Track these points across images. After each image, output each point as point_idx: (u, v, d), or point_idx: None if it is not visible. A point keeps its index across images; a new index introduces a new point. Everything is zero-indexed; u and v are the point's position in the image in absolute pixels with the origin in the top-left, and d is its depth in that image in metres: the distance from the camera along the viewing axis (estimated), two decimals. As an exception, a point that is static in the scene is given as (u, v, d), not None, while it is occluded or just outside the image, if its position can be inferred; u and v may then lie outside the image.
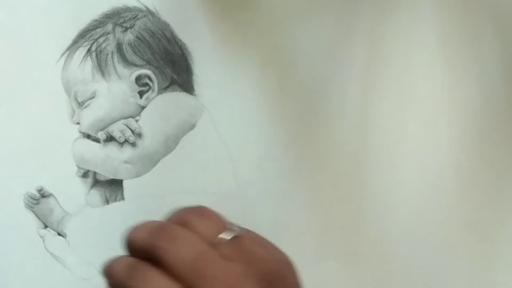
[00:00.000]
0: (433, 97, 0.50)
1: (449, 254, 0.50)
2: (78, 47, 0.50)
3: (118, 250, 0.49)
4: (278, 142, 0.50)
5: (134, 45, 0.50)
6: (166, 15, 0.50)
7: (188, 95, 0.51)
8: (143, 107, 0.50)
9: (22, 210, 0.49)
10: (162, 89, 0.51)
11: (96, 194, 0.50)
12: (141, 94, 0.50)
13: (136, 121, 0.50)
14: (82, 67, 0.50)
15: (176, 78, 0.51)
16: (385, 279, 0.49)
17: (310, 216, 0.50)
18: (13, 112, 0.49)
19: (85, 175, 0.50)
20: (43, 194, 0.49)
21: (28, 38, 0.49)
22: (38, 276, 0.49)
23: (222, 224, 0.36)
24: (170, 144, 0.50)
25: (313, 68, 0.50)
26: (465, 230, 0.50)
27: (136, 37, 0.50)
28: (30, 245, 0.49)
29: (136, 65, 0.50)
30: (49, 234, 0.49)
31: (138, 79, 0.50)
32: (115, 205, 0.50)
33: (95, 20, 0.50)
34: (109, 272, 0.37)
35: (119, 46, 0.50)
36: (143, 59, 0.50)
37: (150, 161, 0.50)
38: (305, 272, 0.50)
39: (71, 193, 0.50)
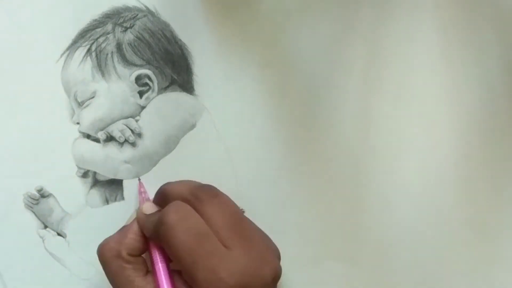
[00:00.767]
0: (434, 97, 0.50)
1: (449, 254, 0.50)
2: (78, 47, 0.50)
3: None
4: (278, 142, 0.50)
5: (134, 45, 0.50)
6: (166, 15, 0.50)
7: (188, 95, 0.51)
8: (143, 107, 0.50)
9: (22, 210, 0.49)
10: (162, 89, 0.51)
11: (96, 194, 0.50)
12: (141, 94, 0.50)
13: (136, 121, 0.50)
14: (82, 67, 0.50)
15: (176, 78, 0.51)
16: (385, 279, 0.50)
17: (310, 216, 0.50)
18: (12, 112, 0.49)
19: (85, 175, 0.50)
20: (43, 194, 0.49)
21: (28, 38, 0.49)
22: (38, 276, 0.49)
23: None
24: (170, 144, 0.50)
25: (313, 68, 0.50)
26: (465, 230, 0.50)
27: (136, 37, 0.50)
28: (29, 245, 0.49)
29: (136, 65, 0.50)
30: (49, 234, 0.49)
31: (138, 79, 0.50)
32: (115, 205, 0.50)
33: (95, 20, 0.50)
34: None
35: (119, 46, 0.50)
36: (143, 59, 0.50)
37: (150, 161, 0.50)
38: (305, 272, 0.50)
39: (71, 193, 0.50)
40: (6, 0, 0.49)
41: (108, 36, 0.50)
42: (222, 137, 0.50)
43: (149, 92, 0.50)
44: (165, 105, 0.50)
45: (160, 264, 0.43)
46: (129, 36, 0.50)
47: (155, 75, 0.50)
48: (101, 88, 0.50)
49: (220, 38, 0.50)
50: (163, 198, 0.45)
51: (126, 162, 0.50)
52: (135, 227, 0.45)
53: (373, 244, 0.49)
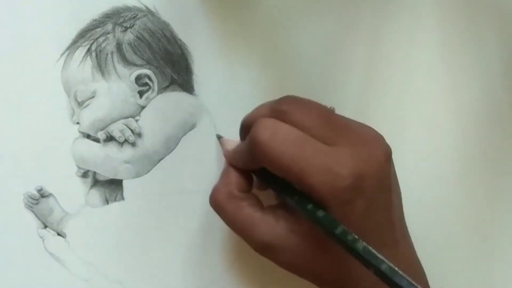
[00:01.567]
0: (434, 97, 0.50)
1: (449, 254, 0.50)
2: (78, 47, 0.50)
3: (117, 250, 0.49)
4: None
5: (134, 45, 0.50)
6: (166, 15, 0.50)
7: (188, 94, 0.51)
8: (143, 107, 0.50)
9: (21, 210, 0.49)
10: (162, 89, 0.50)
11: (96, 194, 0.50)
12: (141, 93, 0.50)
13: (136, 121, 0.50)
14: (81, 66, 0.50)
15: (176, 77, 0.50)
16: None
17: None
18: (12, 112, 0.49)
19: (85, 175, 0.50)
20: (42, 194, 0.49)
21: (27, 38, 0.49)
22: (38, 277, 0.49)
23: None
24: (170, 144, 0.50)
25: (313, 68, 0.50)
26: (465, 230, 0.50)
27: (136, 37, 0.50)
28: (29, 246, 0.49)
29: (136, 65, 0.50)
30: (49, 234, 0.49)
31: (138, 78, 0.50)
32: (115, 205, 0.50)
33: (95, 20, 0.50)
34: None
35: (119, 46, 0.50)
36: (143, 59, 0.50)
37: (150, 161, 0.50)
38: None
39: (71, 193, 0.50)
40: (6, 0, 0.49)
41: (108, 36, 0.50)
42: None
43: (149, 92, 0.50)
44: (165, 105, 0.50)
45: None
46: (129, 36, 0.50)
47: (155, 75, 0.50)
48: (101, 88, 0.50)
49: (220, 38, 0.50)
50: (247, 130, 0.42)
51: (126, 162, 0.50)
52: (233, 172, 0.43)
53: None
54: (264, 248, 0.41)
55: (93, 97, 0.50)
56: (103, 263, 0.49)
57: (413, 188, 0.50)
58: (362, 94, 0.50)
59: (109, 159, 0.50)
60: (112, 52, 0.50)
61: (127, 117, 0.50)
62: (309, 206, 0.38)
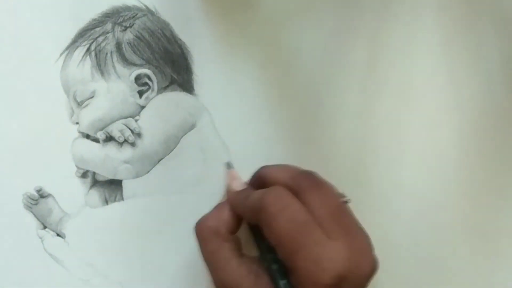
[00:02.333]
0: (434, 98, 0.50)
1: (450, 254, 0.50)
2: (77, 47, 0.50)
3: (117, 250, 0.49)
4: (278, 142, 0.50)
5: (134, 45, 0.50)
6: (165, 14, 0.50)
7: (188, 94, 0.50)
8: (142, 107, 0.50)
9: (21, 210, 0.49)
10: (162, 89, 0.50)
11: (95, 194, 0.50)
12: (140, 93, 0.50)
13: (136, 120, 0.50)
14: (81, 66, 0.49)
15: (175, 77, 0.50)
16: (385, 279, 0.50)
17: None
18: (11, 111, 0.49)
19: (84, 175, 0.50)
20: (42, 195, 0.49)
21: (27, 37, 0.49)
22: (37, 277, 0.49)
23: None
24: (170, 144, 0.50)
25: (313, 68, 0.50)
26: (466, 230, 0.50)
27: (136, 37, 0.50)
28: (29, 246, 0.49)
29: (135, 65, 0.50)
30: (48, 234, 0.49)
31: (137, 78, 0.50)
32: (114, 205, 0.50)
33: (95, 19, 0.50)
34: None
35: (118, 46, 0.50)
36: (143, 59, 0.50)
37: (149, 161, 0.50)
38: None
39: (70, 194, 0.49)
40: (6, 0, 0.49)
41: (107, 35, 0.50)
42: (222, 137, 0.50)
43: (149, 92, 0.50)
44: (165, 105, 0.50)
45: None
46: (128, 35, 0.50)
47: (155, 75, 0.50)
48: (101, 88, 0.50)
49: (220, 38, 0.50)
50: (261, 181, 0.44)
51: (125, 162, 0.49)
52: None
53: (374, 244, 0.49)
54: None
55: (92, 97, 0.49)
56: (102, 263, 0.49)
57: (413, 188, 0.50)
58: (362, 94, 0.50)
59: (108, 159, 0.49)
60: (111, 51, 0.50)
61: (127, 117, 0.50)
62: (283, 281, 0.40)
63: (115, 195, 0.50)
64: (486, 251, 0.50)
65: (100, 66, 0.50)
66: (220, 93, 0.50)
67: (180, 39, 0.50)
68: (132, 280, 0.49)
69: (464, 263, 0.50)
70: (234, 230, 0.44)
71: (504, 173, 0.51)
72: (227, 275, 0.42)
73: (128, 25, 0.50)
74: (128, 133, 0.49)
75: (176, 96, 0.50)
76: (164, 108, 0.50)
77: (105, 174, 0.50)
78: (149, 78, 0.50)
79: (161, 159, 0.50)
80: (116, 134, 0.49)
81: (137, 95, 0.50)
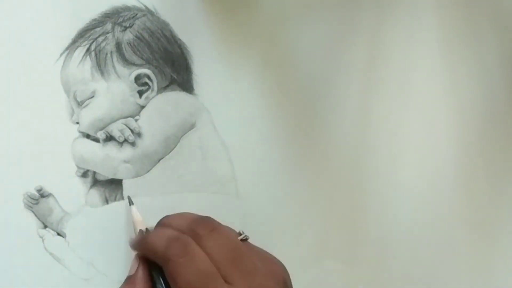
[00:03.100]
0: (434, 97, 0.50)
1: (449, 253, 0.50)
2: (78, 47, 0.50)
3: (117, 250, 0.49)
4: (278, 142, 0.50)
5: (134, 45, 0.50)
6: (165, 14, 0.50)
7: (188, 94, 0.51)
8: (142, 107, 0.50)
9: (21, 210, 0.49)
10: (162, 89, 0.50)
11: (95, 194, 0.50)
12: (140, 93, 0.50)
13: (136, 120, 0.50)
14: (81, 66, 0.50)
15: (175, 77, 0.50)
16: (385, 279, 0.50)
17: (310, 216, 0.50)
18: (12, 111, 0.49)
19: (84, 174, 0.50)
20: (42, 194, 0.49)
21: (27, 38, 0.49)
22: (38, 277, 0.49)
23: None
24: (169, 143, 0.50)
25: (313, 68, 0.50)
26: (465, 230, 0.50)
27: (136, 37, 0.50)
28: (29, 245, 0.49)
29: (135, 65, 0.50)
30: (49, 234, 0.49)
31: (137, 78, 0.50)
32: (114, 205, 0.50)
33: (94, 20, 0.50)
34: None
35: (118, 46, 0.50)
36: (143, 59, 0.50)
37: (149, 161, 0.50)
38: (305, 272, 0.50)
39: (71, 193, 0.49)
40: (6, 0, 0.49)
41: (107, 35, 0.50)
42: (221, 137, 0.50)
43: (149, 92, 0.50)
44: (165, 105, 0.50)
45: None
46: (128, 35, 0.50)
47: (155, 75, 0.50)
48: (101, 88, 0.50)
49: (220, 38, 0.50)
50: (160, 223, 0.44)
51: (125, 161, 0.50)
52: (141, 275, 0.43)
53: (373, 244, 0.49)
54: None
55: (92, 97, 0.50)
56: (103, 262, 0.49)
57: (413, 188, 0.50)
58: (362, 94, 0.50)
59: (108, 159, 0.50)
60: (111, 51, 0.50)
61: (127, 117, 0.50)
62: None
63: (115, 195, 0.50)
64: (486, 251, 0.50)
65: (100, 66, 0.50)
66: (219, 93, 0.50)
67: (179, 39, 0.50)
68: (132, 279, 0.49)
69: (464, 263, 0.50)
70: None
71: (504, 172, 0.51)
72: None
73: (128, 25, 0.50)
74: (128, 132, 0.49)
75: (176, 96, 0.50)
76: (164, 108, 0.50)
77: (105, 173, 0.50)
78: (149, 78, 0.50)
79: (161, 158, 0.50)
80: (116, 133, 0.49)
81: (137, 95, 0.50)
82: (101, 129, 0.50)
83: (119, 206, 0.50)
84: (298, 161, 0.50)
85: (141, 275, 0.43)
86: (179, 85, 0.51)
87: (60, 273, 0.49)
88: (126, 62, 0.50)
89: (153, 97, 0.50)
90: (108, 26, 0.50)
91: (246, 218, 0.49)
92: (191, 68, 0.50)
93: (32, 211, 0.49)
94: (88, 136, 0.50)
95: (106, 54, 0.50)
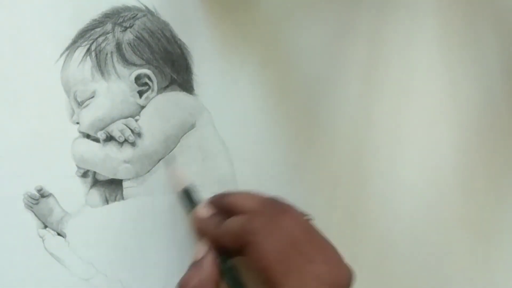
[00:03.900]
0: (433, 97, 0.50)
1: (449, 253, 0.50)
2: (78, 47, 0.50)
3: (117, 250, 0.49)
4: (278, 142, 0.50)
5: (134, 45, 0.50)
6: (165, 15, 0.50)
7: (188, 94, 0.51)
8: (142, 107, 0.50)
9: (21, 210, 0.49)
10: (162, 89, 0.50)
11: (95, 194, 0.50)
12: (140, 93, 0.50)
13: (136, 120, 0.50)
14: (81, 66, 0.50)
15: (175, 77, 0.50)
16: (385, 279, 0.50)
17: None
18: (12, 112, 0.49)
19: (84, 175, 0.50)
20: (42, 194, 0.49)
21: (27, 38, 0.49)
22: (38, 277, 0.49)
23: None
24: (169, 143, 0.50)
25: (313, 68, 0.50)
26: (465, 230, 0.50)
27: (136, 37, 0.50)
28: (29, 245, 0.49)
29: (135, 65, 0.50)
30: (49, 234, 0.49)
31: (137, 78, 0.50)
32: (115, 205, 0.50)
33: (95, 20, 0.50)
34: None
35: (118, 46, 0.50)
36: (143, 59, 0.50)
37: (149, 161, 0.50)
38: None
39: (71, 193, 0.50)
40: (6, 0, 0.49)
41: (107, 35, 0.50)
42: (222, 137, 0.50)
43: (149, 92, 0.50)
44: (165, 105, 0.50)
45: None
46: (128, 35, 0.50)
47: (155, 75, 0.50)
48: (101, 88, 0.50)
49: (220, 38, 0.50)
50: (227, 208, 0.45)
51: (125, 162, 0.50)
52: (210, 260, 0.44)
53: (373, 244, 0.49)
54: None
55: (92, 97, 0.50)
56: (103, 262, 0.49)
57: (413, 188, 0.50)
58: (362, 94, 0.50)
59: (108, 159, 0.50)
60: (111, 52, 0.50)
61: (127, 117, 0.50)
62: None
63: (115, 195, 0.50)
64: (486, 251, 0.50)
65: (101, 66, 0.50)
66: (220, 93, 0.50)
67: (180, 39, 0.50)
68: (132, 279, 0.50)
69: (464, 263, 0.50)
70: (217, 284, 0.44)
71: (504, 172, 0.51)
72: None
73: (128, 25, 0.50)
74: (128, 133, 0.49)
75: (176, 96, 0.50)
76: (164, 108, 0.50)
77: (105, 173, 0.50)
78: (149, 78, 0.50)
79: (161, 158, 0.50)
80: (116, 134, 0.49)
81: (137, 95, 0.50)
82: (101, 129, 0.50)
83: (119, 206, 0.50)
84: (298, 161, 0.50)
85: (209, 259, 0.44)
86: (179, 85, 0.51)
87: (60, 273, 0.49)
88: (126, 62, 0.50)
89: (153, 97, 0.50)
90: (108, 26, 0.50)
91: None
92: (191, 68, 0.50)
93: (32, 211, 0.49)
94: (88, 136, 0.50)
95: (106, 54, 0.50)
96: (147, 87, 0.50)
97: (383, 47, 0.50)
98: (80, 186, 0.50)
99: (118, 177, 0.50)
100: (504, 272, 0.50)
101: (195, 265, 0.45)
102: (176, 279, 0.50)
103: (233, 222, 0.43)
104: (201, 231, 0.45)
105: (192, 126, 0.50)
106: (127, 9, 0.50)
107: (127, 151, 0.49)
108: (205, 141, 0.50)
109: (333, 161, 0.50)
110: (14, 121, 0.49)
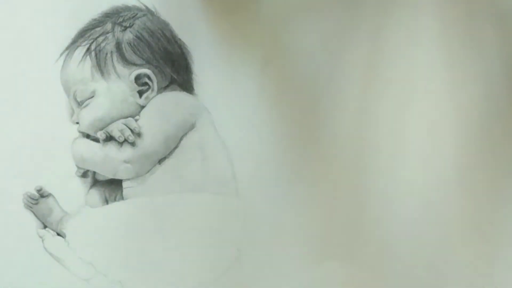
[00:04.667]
0: (434, 97, 0.50)
1: (450, 254, 0.50)
2: (78, 46, 0.50)
3: (117, 250, 0.49)
4: (278, 142, 0.50)
5: (134, 45, 0.50)
6: (165, 15, 0.50)
7: (188, 94, 0.51)
8: (142, 107, 0.50)
9: (21, 210, 0.49)
10: (162, 89, 0.50)
11: (95, 194, 0.50)
12: (140, 93, 0.50)
13: (136, 120, 0.50)
14: (81, 66, 0.50)
15: (175, 77, 0.50)
16: (386, 279, 0.50)
17: (310, 216, 0.50)
18: (12, 111, 0.49)
19: (84, 175, 0.50)
20: (42, 194, 0.49)
21: (27, 38, 0.49)
22: (38, 276, 0.49)
23: None
24: (169, 143, 0.50)
25: (314, 67, 0.50)
26: (466, 230, 0.50)
27: (136, 36, 0.50)
28: (29, 245, 0.49)
29: (135, 65, 0.50)
30: (49, 234, 0.49)
31: (137, 78, 0.50)
32: (114, 205, 0.50)
33: (95, 19, 0.50)
34: None
35: (118, 45, 0.50)
36: (143, 59, 0.50)
37: (149, 161, 0.50)
38: (305, 272, 0.50)
39: (70, 193, 0.50)
40: (6, 0, 0.49)
41: (107, 35, 0.50)
42: (222, 137, 0.50)
43: (149, 92, 0.50)
44: (165, 105, 0.50)
45: None
46: (128, 35, 0.50)
47: (155, 75, 0.50)
48: (101, 88, 0.50)
49: (220, 38, 0.50)
50: None
51: (125, 161, 0.50)
52: None
53: (374, 244, 0.49)
54: None
55: (92, 96, 0.50)
56: (102, 262, 0.49)
57: (414, 188, 0.50)
58: (362, 94, 0.50)
59: (108, 159, 0.50)
60: (111, 51, 0.50)
61: (127, 117, 0.50)
62: None
63: (115, 195, 0.50)
64: (486, 251, 0.50)
65: (100, 66, 0.50)
66: (220, 93, 0.50)
67: (180, 39, 0.50)
68: (131, 279, 0.50)
69: (464, 263, 0.50)
70: None
71: (504, 173, 0.51)
72: None
73: (128, 25, 0.50)
74: (128, 132, 0.49)
75: (176, 96, 0.50)
76: (164, 107, 0.50)
77: (105, 173, 0.50)
78: (149, 78, 0.50)
79: (161, 158, 0.50)
80: (116, 133, 0.49)
81: (137, 94, 0.50)
82: (101, 129, 0.50)
83: (119, 206, 0.50)
84: (298, 161, 0.50)
85: None
86: (179, 85, 0.51)
87: (60, 273, 0.49)
88: (126, 62, 0.50)
89: (153, 97, 0.50)
90: (108, 26, 0.50)
91: (246, 218, 0.49)
92: (191, 68, 0.50)
93: (32, 211, 0.49)
94: (88, 136, 0.50)
95: (106, 54, 0.50)
96: (147, 87, 0.50)
97: (384, 47, 0.50)
98: (79, 186, 0.50)
99: (118, 177, 0.50)
100: (504, 272, 0.50)
101: None
102: (176, 279, 0.50)
103: None
104: None
105: (192, 126, 0.50)
106: (127, 8, 0.50)
107: (127, 151, 0.49)
108: (205, 141, 0.50)
109: (333, 161, 0.50)
110: (14, 121, 0.49)
